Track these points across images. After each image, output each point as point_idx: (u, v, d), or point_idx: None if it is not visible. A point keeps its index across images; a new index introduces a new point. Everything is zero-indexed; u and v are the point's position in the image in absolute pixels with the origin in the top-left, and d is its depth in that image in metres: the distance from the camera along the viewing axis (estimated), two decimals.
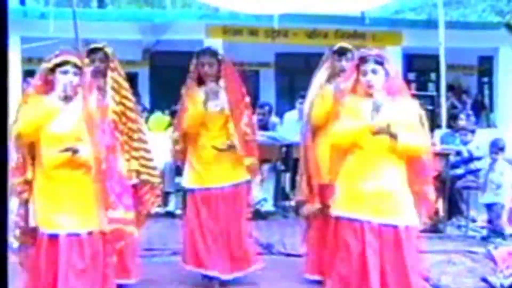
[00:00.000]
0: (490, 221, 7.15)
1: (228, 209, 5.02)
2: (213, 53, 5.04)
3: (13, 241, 3.74)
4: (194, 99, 4.96)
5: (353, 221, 3.87)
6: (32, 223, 3.79)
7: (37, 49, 10.15)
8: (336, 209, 3.96)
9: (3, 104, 1.65)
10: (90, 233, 3.76)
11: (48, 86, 3.83)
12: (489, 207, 7.16)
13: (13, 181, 3.69)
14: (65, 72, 3.77)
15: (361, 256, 3.82)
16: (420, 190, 3.98)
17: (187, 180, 5.19)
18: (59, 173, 3.76)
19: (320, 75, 5.06)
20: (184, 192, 5.50)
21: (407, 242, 3.84)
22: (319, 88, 5.01)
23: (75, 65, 3.79)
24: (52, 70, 3.81)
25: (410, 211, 3.91)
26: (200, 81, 5.02)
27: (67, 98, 3.80)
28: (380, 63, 3.93)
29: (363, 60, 3.94)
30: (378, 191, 3.85)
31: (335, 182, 4.05)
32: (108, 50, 4.71)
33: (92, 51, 4.67)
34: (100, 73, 4.60)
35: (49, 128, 3.73)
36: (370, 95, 3.93)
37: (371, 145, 3.89)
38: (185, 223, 5.19)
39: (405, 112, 3.91)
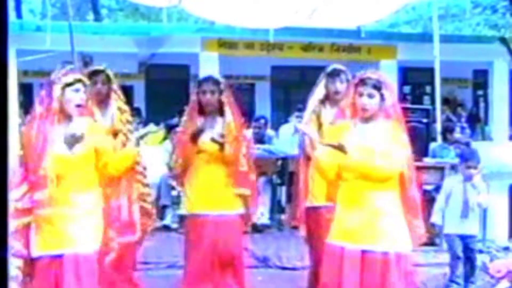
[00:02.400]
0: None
1: (220, 238, 4.88)
2: (215, 81, 4.94)
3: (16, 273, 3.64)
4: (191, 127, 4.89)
5: (335, 247, 3.83)
6: (34, 253, 3.71)
7: (33, 62, 10.16)
8: (329, 235, 3.93)
9: (3, 104, 1.65)
10: (91, 253, 3.75)
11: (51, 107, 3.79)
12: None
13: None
14: (77, 90, 3.80)
15: (340, 285, 3.76)
16: (409, 224, 3.90)
17: (183, 206, 5.16)
18: (68, 193, 3.74)
19: (313, 99, 5.04)
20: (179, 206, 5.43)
21: (397, 270, 3.76)
22: (313, 113, 4.98)
23: (84, 84, 3.84)
24: (62, 88, 3.79)
25: (402, 235, 3.82)
26: (201, 109, 4.92)
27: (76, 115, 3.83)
28: (378, 88, 3.90)
29: (362, 82, 3.93)
30: (364, 216, 3.79)
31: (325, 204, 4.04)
32: (110, 72, 4.72)
33: (93, 73, 4.66)
34: (101, 96, 4.61)
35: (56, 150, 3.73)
36: (363, 120, 3.90)
37: (358, 168, 3.83)
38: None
39: (388, 137, 3.85)
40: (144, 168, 4.81)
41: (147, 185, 4.83)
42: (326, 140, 4.01)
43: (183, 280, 4.97)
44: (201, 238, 4.85)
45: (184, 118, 5.05)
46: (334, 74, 4.93)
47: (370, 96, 3.87)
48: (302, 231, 4.97)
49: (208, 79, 4.99)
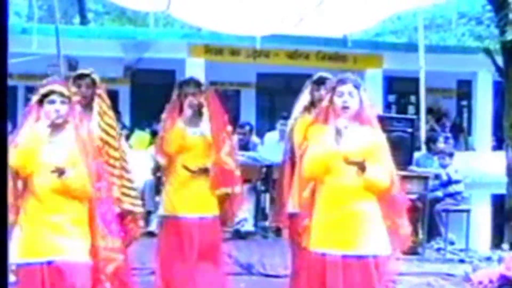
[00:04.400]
0: None
1: (199, 241, 4.91)
2: (196, 83, 5.04)
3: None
4: (173, 126, 4.95)
5: (316, 254, 3.79)
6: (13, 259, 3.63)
7: (18, 65, 10.08)
8: (305, 240, 3.90)
9: (3, 104, 1.66)
10: (81, 263, 3.69)
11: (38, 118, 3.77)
12: None
13: None
14: (52, 102, 3.74)
15: None
16: (392, 224, 3.85)
17: (161, 207, 5.16)
18: (53, 202, 3.69)
19: (298, 105, 5.05)
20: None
21: (376, 274, 3.72)
22: (296, 120, 4.99)
23: (62, 94, 3.76)
24: (40, 101, 3.76)
25: (380, 239, 3.78)
26: (182, 111, 5.02)
27: (56, 127, 3.74)
28: (357, 87, 3.88)
29: (340, 82, 3.90)
30: (343, 221, 3.75)
31: (303, 211, 3.98)
32: (96, 77, 4.71)
33: (79, 77, 4.66)
34: (85, 99, 4.59)
35: (40, 158, 3.68)
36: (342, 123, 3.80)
37: (339, 174, 3.79)
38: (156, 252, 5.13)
39: (371, 142, 3.81)
40: (128, 171, 4.81)
41: (133, 189, 4.83)
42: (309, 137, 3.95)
43: (157, 284, 5.01)
44: (180, 241, 4.89)
45: (164, 119, 5.08)
46: (320, 82, 4.93)
47: (350, 94, 3.83)
48: (285, 234, 4.97)
49: (189, 81, 5.11)
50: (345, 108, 3.82)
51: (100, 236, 3.79)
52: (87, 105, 4.60)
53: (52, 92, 3.75)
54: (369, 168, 3.70)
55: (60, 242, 3.66)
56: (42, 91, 3.77)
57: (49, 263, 3.64)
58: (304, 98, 5.01)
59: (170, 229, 5.00)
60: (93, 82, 4.68)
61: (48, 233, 3.67)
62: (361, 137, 3.80)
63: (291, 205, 4.81)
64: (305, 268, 3.91)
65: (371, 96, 4.08)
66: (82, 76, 4.68)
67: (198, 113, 4.97)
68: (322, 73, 5.06)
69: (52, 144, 3.72)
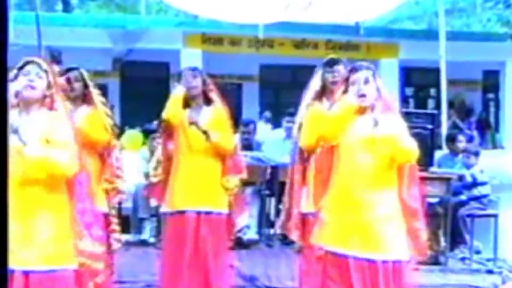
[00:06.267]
0: None
1: (205, 238, 5.06)
2: (197, 71, 5.27)
3: None
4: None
5: (338, 256, 3.83)
6: None
7: None
8: (321, 241, 3.94)
9: (3, 103, 1.70)
10: (65, 270, 3.53)
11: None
12: None
13: None
14: (27, 74, 3.56)
15: None
16: (410, 228, 3.90)
17: (164, 204, 5.29)
18: (30, 194, 3.44)
19: (309, 92, 5.08)
20: (158, 219, 5.49)
21: (398, 279, 3.79)
22: (306, 108, 5.02)
23: (39, 66, 3.60)
24: (16, 78, 3.57)
25: (402, 243, 3.86)
26: (185, 102, 5.21)
27: (30, 104, 3.56)
28: (372, 73, 3.91)
29: (353, 70, 3.92)
30: (365, 222, 3.81)
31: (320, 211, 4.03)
32: (84, 72, 4.93)
33: (67, 71, 4.82)
34: (74, 93, 4.71)
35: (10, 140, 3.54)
36: (361, 111, 3.89)
37: (356, 167, 3.86)
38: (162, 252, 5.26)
39: (401, 129, 3.88)
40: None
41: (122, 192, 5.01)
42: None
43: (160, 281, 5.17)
44: (183, 237, 5.02)
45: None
46: (332, 64, 4.95)
47: (366, 81, 3.86)
48: (295, 236, 4.99)
49: (188, 69, 5.30)
50: (361, 96, 3.85)
51: (78, 237, 3.60)
52: (76, 99, 4.76)
53: (27, 62, 3.61)
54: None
55: (40, 247, 3.48)
56: (18, 64, 3.61)
57: (25, 273, 3.44)
58: (314, 83, 5.03)
59: (173, 228, 5.13)
60: (82, 76, 4.89)
61: (27, 236, 3.46)
62: (390, 125, 3.83)
63: (305, 205, 4.84)
64: (318, 269, 3.95)
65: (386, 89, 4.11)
66: (69, 69, 4.87)
67: (204, 102, 5.22)
68: (334, 56, 5.13)
69: (23, 124, 3.47)
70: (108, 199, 4.87)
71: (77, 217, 3.60)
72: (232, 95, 15.01)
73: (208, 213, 5.10)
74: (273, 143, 9.28)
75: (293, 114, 7.22)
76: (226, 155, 5.18)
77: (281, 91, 15.73)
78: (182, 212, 5.11)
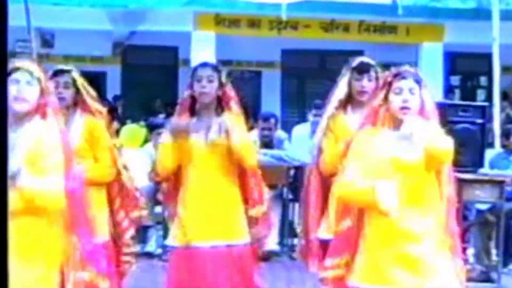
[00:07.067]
0: None
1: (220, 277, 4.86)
2: (215, 68, 4.93)
3: None
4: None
5: None
6: None
7: None
8: (353, 279, 3.91)
9: (3, 103, 1.77)
10: None
11: None
12: None
13: None
14: (16, 83, 3.58)
15: None
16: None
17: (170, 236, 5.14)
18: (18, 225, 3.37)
19: (332, 100, 5.03)
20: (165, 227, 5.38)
21: None
22: (329, 119, 4.98)
23: (29, 72, 3.62)
24: None
25: (448, 272, 3.86)
26: (193, 107, 4.93)
27: (20, 118, 3.59)
28: (418, 83, 3.90)
29: (399, 76, 3.90)
30: (407, 255, 3.81)
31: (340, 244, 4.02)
32: (76, 75, 4.78)
33: (55, 74, 4.70)
34: (63, 102, 4.63)
35: None
36: (397, 124, 3.87)
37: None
38: None
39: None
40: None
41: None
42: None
43: None
44: (197, 279, 4.80)
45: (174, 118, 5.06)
46: (362, 70, 4.92)
47: (411, 91, 3.85)
48: (312, 267, 4.96)
49: (206, 65, 5.00)
50: (404, 108, 3.84)
51: (79, 267, 3.64)
52: (67, 109, 4.67)
53: (16, 69, 3.61)
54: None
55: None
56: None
57: None
58: (340, 90, 4.99)
59: (185, 264, 4.90)
60: (74, 82, 4.75)
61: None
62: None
63: (324, 229, 4.80)
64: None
65: (428, 81, 4.10)
66: (58, 73, 4.73)
67: (217, 109, 4.90)
68: (364, 59, 5.05)
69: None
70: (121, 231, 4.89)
71: (75, 243, 3.62)
72: (250, 85, 15.02)
73: (231, 246, 4.85)
74: (297, 140, 9.26)
75: (320, 107, 7.19)
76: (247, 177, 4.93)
77: (306, 80, 15.72)
78: (197, 249, 4.84)
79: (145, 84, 14.94)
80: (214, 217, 4.79)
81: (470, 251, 7.49)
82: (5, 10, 1.79)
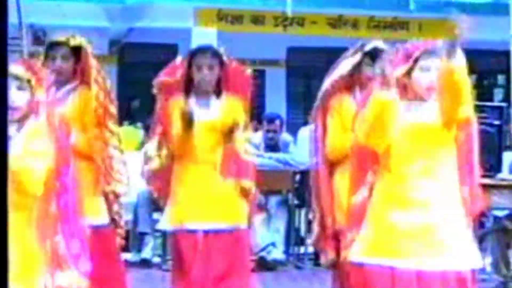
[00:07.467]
0: None
1: (222, 259, 4.99)
2: (214, 53, 5.06)
3: None
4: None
5: (383, 268, 3.81)
6: None
7: None
8: (359, 254, 3.91)
9: (3, 102, 1.84)
10: None
11: None
12: None
13: None
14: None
15: None
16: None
17: (165, 220, 5.19)
18: None
19: (334, 74, 5.02)
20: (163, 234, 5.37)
21: None
22: (333, 100, 4.97)
23: (17, 78, 3.64)
24: None
25: (469, 247, 3.87)
26: (188, 89, 5.06)
27: (17, 121, 3.63)
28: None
29: (429, 52, 3.89)
30: (418, 225, 3.81)
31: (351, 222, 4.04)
32: (77, 41, 4.79)
33: (50, 47, 4.73)
34: (63, 75, 4.63)
35: None
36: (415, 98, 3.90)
37: (404, 162, 3.86)
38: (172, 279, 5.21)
39: None
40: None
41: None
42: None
43: None
44: (193, 261, 4.92)
45: (160, 101, 5.14)
46: (375, 56, 4.89)
47: (438, 69, 3.85)
48: (331, 255, 4.95)
49: (206, 49, 5.13)
50: (430, 89, 3.86)
51: (60, 267, 3.64)
52: (67, 82, 4.71)
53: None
54: None
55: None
56: None
57: None
58: (345, 65, 4.95)
59: (182, 248, 5.03)
60: (74, 51, 4.74)
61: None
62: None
63: (340, 218, 4.82)
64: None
65: None
66: (53, 46, 4.76)
67: (215, 92, 5.06)
68: (380, 44, 4.99)
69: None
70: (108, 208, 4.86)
71: (60, 243, 3.63)
72: (254, 84, 15.00)
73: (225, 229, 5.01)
74: (303, 143, 9.26)
75: None
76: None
77: (312, 79, 15.68)
78: (191, 231, 5.00)
79: (143, 83, 14.91)
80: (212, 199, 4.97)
81: (487, 260, 7.48)
82: (5, 10, 1.85)
